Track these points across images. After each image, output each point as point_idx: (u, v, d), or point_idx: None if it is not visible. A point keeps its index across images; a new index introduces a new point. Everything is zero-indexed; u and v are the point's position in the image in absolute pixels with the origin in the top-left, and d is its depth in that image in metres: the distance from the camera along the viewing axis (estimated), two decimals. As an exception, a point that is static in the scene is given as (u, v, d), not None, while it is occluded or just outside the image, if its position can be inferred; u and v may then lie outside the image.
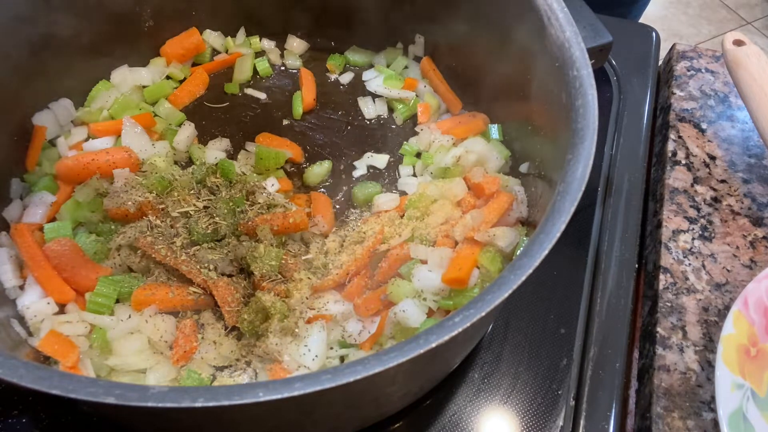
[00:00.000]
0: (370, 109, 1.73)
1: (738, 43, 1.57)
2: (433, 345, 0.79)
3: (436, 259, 1.29)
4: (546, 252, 0.89)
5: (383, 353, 0.78)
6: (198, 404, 0.75)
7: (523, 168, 1.44)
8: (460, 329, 0.81)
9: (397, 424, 1.26)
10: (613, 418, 1.27)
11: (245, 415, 0.89)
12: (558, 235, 0.91)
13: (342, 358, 1.27)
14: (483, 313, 0.83)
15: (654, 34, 1.96)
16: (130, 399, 0.76)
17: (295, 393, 0.74)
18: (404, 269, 1.31)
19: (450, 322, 0.82)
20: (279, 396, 0.74)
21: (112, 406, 0.76)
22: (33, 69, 1.47)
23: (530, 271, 0.88)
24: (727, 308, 1.39)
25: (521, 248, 1.20)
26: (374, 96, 1.76)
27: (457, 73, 1.70)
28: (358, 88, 1.78)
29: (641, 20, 2.04)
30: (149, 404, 0.75)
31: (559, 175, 1.03)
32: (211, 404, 0.75)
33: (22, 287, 1.33)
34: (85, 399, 0.76)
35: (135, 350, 1.24)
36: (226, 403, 0.75)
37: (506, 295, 0.86)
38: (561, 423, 1.26)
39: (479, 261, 1.27)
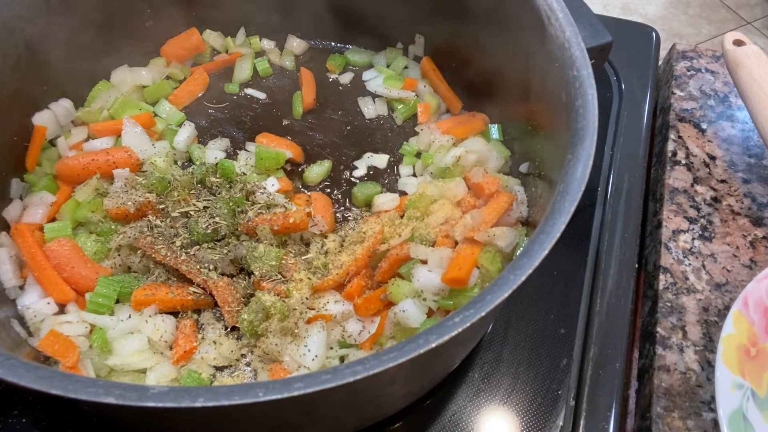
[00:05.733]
0: (370, 109, 1.73)
1: (738, 43, 1.57)
2: (433, 345, 0.79)
3: (436, 259, 1.29)
4: (546, 252, 0.89)
5: (383, 353, 0.78)
6: (198, 404, 0.75)
7: (523, 168, 1.44)
8: (460, 329, 0.80)
9: (397, 424, 1.26)
10: (613, 418, 1.26)
11: (245, 415, 0.88)
12: (558, 235, 0.90)
13: (342, 358, 1.27)
14: (483, 313, 0.82)
15: (654, 34, 1.95)
16: (130, 399, 0.75)
17: (295, 393, 0.74)
18: (404, 269, 1.30)
19: (450, 322, 0.81)
20: (279, 396, 0.74)
21: (113, 406, 0.76)
22: (33, 69, 1.46)
23: (530, 271, 0.87)
24: (727, 308, 1.39)
25: (521, 248, 1.20)
26: (374, 96, 1.76)
27: (457, 73, 1.69)
28: (358, 88, 1.78)
29: (641, 20, 2.03)
30: (149, 404, 0.75)
31: (559, 175, 1.03)
32: (210, 404, 0.75)
33: (22, 287, 1.33)
34: (86, 399, 0.76)
35: (135, 350, 1.24)
36: (226, 403, 0.75)
37: (506, 295, 0.85)
38: (561, 423, 1.26)
39: (479, 261, 1.27)
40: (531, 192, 1.39)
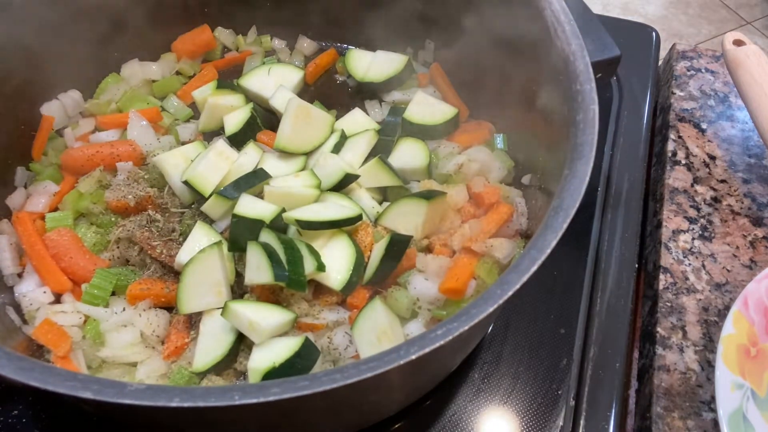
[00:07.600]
0: (377, 113, 1.62)
1: (738, 43, 1.49)
2: (413, 357, 0.73)
3: (434, 268, 1.22)
4: (535, 268, 0.83)
5: (362, 363, 0.72)
6: (173, 404, 0.70)
7: (525, 180, 1.36)
8: (442, 342, 0.75)
9: (398, 424, 1.20)
10: (613, 418, 1.20)
11: (225, 416, 0.82)
12: (548, 251, 0.84)
13: (334, 362, 1.18)
14: (466, 327, 0.77)
15: (654, 34, 1.86)
16: (107, 395, 0.71)
17: (271, 398, 0.68)
18: (403, 279, 1.23)
19: (432, 334, 0.76)
20: (254, 400, 0.68)
21: (114, 405, 0.72)
22: (44, 60, 1.40)
23: (518, 286, 0.81)
24: (727, 308, 1.31)
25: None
26: (381, 100, 1.64)
27: (465, 81, 1.60)
28: (365, 91, 1.67)
29: (641, 20, 1.95)
30: (126, 401, 0.71)
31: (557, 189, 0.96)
32: (186, 405, 0.70)
33: (20, 275, 1.27)
34: (64, 393, 0.72)
35: (127, 343, 1.16)
36: (201, 404, 0.69)
37: (491, 310, 0.79)
38: (561, 423, 1.19)
39: (476, 272, 1.20)
40: (532, 204, 1.32)
